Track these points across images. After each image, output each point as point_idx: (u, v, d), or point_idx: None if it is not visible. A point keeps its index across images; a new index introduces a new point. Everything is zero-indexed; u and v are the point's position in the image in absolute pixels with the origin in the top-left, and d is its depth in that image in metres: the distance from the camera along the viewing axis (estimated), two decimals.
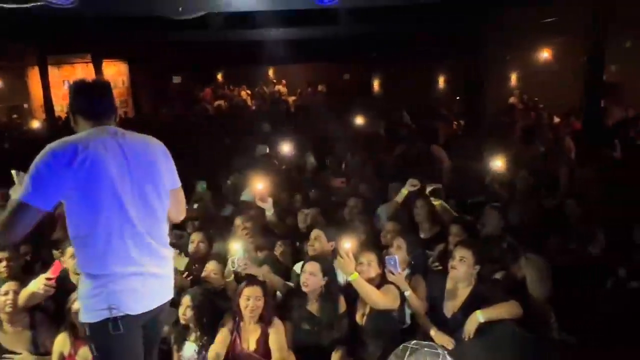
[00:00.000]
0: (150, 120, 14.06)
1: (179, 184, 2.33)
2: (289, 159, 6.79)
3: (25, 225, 1.92)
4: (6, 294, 2.96)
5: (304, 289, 3.07)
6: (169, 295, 2.24)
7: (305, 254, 3.71)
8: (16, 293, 2.95)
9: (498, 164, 4.97)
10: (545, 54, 12.37)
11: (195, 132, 10.40)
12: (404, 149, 6.98)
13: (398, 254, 3.30)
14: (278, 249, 3.83)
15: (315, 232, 3.62)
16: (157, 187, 2.17)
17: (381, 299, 2.97)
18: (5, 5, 5.28)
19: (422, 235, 4.13)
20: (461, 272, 3.07)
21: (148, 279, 2.09)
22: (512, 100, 12.58)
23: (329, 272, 3.12)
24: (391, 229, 3.82)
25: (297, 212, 4.61)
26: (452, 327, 3.02)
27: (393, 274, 3.05)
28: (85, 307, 2.05)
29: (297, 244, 4.10)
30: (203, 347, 3.02)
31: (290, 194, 5.15)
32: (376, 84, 16.94)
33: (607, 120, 8.36)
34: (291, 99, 19.20)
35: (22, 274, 3.36)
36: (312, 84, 19.74)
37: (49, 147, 1.96)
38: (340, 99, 16.15)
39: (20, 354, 3.00)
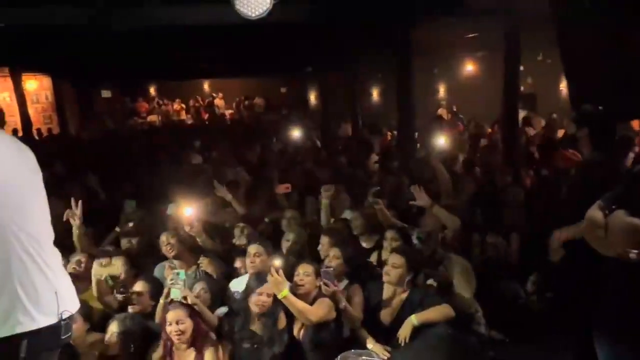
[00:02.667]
0: (77, 137, 13.40)
1: None
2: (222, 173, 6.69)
3: None
4: None
5: (255, 310, 3.00)
6: None
7: (238, 270, 3.65)
8: None
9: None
10: (469, 67, 13.13)
11: (126, 148, 10.01)
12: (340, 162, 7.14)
13: (334, 264, 3.33)
14: (208, 266, 3.70)
15: (254, 248, 3.52)
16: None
17: (313, 315, 2.96)
18: None
19: (364, 245, 4.17)
20: (394, 278, 3.16)
21: None
22: (439, 111, 13.20)
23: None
24: (325, 242, 3.80)
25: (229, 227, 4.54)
26: (389, 334, 3.09)
27: (328, 287, 3.05)
28: None
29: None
30: None
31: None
32: (313, 97, 17.16)
33: (529, 130, 8.98)
34: (228, 112, 19.01)
35: None
36: (249, 97, 19.67)
37: None
38: (277, 112, 16.25)
39: None
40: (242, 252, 3.81)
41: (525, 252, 4.01)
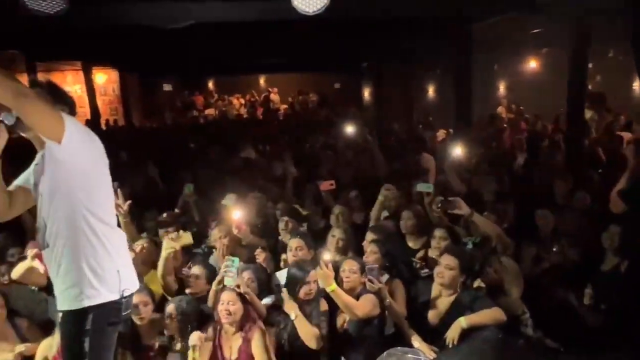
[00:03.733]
0: (140, 128, 14.06)
1: None
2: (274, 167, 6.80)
3: None
4: None
5: (306, 297, 3.06)
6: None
7: (285, 262, 3.70)
8: None
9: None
10: (532, 64, 12.57)
11: (183, 140, 10.38)
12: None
13: (371, 259, 3.32)
14: (260, 256, 3.79)
15: (295, 241, 3.59)
16: None
17: (359, 310, 2.97)
18: None
19: (410, 245, 4.11)
20: (447, 280, 3.10)
21: None
22: (499, 109, 12.74)
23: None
24: (369, 238, 3.78)
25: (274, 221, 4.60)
26: (436, 334, 3.04)
27: (373, 283, 3.05)
28: None
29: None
30: (187, 357, 3.00)
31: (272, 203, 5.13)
32: (367, 94, 17.05)
33: (594, 129, 8.51)
34: (283, 107, 19.27)
35: None
36: (303, 92, 19.83)
37: None
38: (330, 107, 16.29)
39: None
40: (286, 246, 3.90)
41: (584, 262, 3.80)
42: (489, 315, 2.93)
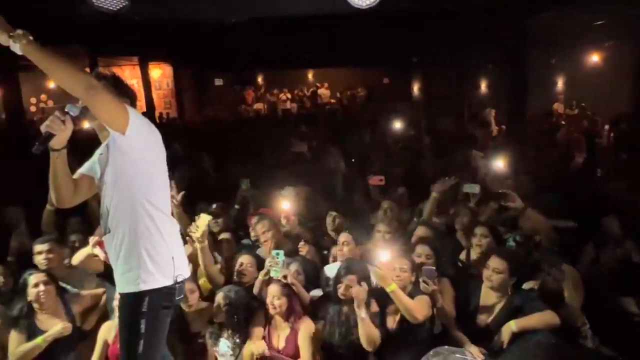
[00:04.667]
0: (192, 122, 14.49)
1: None
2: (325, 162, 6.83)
3: None
4: (36, 285, 3.07)
5: (342, 297, 3.05)
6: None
7: (334, 257, 3.72)
8: (46, 284, 3.08)
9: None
10: (594, 58, 11.94)
11: (235, 133, 10.62)
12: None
13: (422, 258, 3.27)
14: (303, 249, 3.83)
15: (343, 236, 3.60)
16: None
17: (419, 313, 2.90)
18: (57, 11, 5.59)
19: (463, 243, 4.02)
20: (496, 283, 3.02)
21: None
22: (555, 106, 12.21)
23: (364, 278, 3.08)
24: (420, 234, 3.75)
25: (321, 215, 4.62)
26: (486, 336, 2.97)
27: (428, 285, 3.00)
28: None
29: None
30: (236, 344, 3.10)
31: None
32: (416, 89, 16.79)
33: None
34: (331, 102, 19.31)
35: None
36: (352, 87, 19.78)
37: None
38: (379, 103, 16.15)
39: None
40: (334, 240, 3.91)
41: None
42: (541, 318, 2.82)
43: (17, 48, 1.87)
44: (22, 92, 8.64)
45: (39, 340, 2.99)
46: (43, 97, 18.37)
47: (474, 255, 3.64)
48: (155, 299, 2.17)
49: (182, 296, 2.33)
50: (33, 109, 17.18)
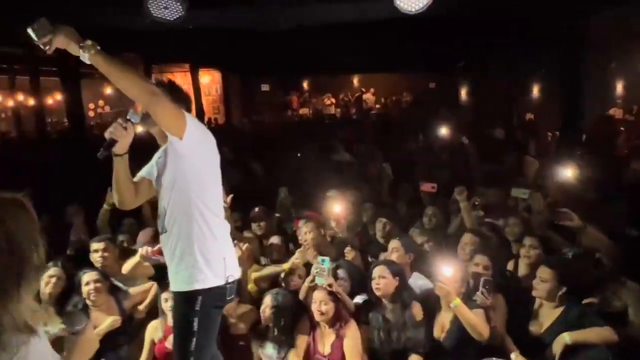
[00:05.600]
0: (239, 127, 14.82)
1: None
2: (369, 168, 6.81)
3: None
4: (87, 284, 3.22)
5: (376, 293, 3.06)
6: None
7: None
8: (96, 282, 3.22)
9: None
10: None
11: (281, 139, 10.76)
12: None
13: (477, 271, 3.18)
14: (349, 254, 3.82)
15: (394, 243, 3.57)
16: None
17: (484, 331, 2.81)
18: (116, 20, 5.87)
19: (513, 251, 3.91)
20: (542, 292, 2.93)
21: None
22: (612, 111, 11.63)
23: (398, 273, 3.09)
24: (468, 242, 3.65)
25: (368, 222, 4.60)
26: (537, 348, 2.87)
27: (487, 298, 2.93)
28: None
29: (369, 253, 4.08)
30: (282, 347, 3.13)
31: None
32: (463, 94, 16.44)
33: None
34: (376, 107, 19.24)
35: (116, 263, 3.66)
36: (397, 92, 19.62)
37: None
38: (426, 108, 15.93)
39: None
40: (382, 246, 3.90)
41: None
42: (598, 333, 2.70)
43: (85, 57, 2.00)
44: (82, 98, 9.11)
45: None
46: (101, 102, 19.31)
47: (522, 266, 3.53)
48: (208, 298, 2.23)
49: (232, 296, 2.38)
50: (91, 114, 18.08)
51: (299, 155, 8.15)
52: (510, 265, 3.71)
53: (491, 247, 3.67)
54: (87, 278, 3.23)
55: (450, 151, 8.04)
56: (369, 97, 19.98)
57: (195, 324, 2.20)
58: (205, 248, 2.23)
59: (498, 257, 3.62)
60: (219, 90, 16.47)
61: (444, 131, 9.16)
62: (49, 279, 3.37)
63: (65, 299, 3.33)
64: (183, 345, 2.23)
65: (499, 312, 3.05)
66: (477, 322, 2.81)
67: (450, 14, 6.67)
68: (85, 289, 3.22)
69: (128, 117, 2.25)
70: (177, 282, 2.28)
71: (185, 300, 2.25)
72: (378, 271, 3.08)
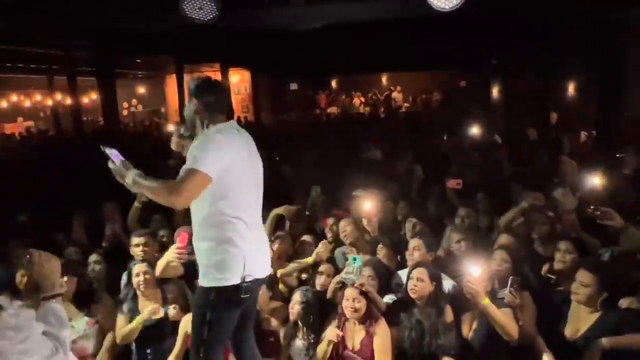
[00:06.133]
0: (268, 125, 14.94)
1: None
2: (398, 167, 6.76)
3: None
4: (137, 275, 3.35)
5: (411, 294, 3.04)
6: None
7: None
8: (146, 274, 3.33)
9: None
10: None
11: (309, 138, 10.78)
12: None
13: (502, 267, 3.12)
14: (380, 252, 3.81)
15: (415, 242, 3.55)
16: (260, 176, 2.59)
17: (514, 331, 2.77)
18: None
19: (539, 250, 3.83)
20: (582, 297, 2.84)
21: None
22: None
23: (436, 278, 3.06)
24: (502, 242, 3.60)
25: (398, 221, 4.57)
26: (573, 353, 2.79)
27: (515, 297, 2.88)
28: None
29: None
30: (311, 344, 3.14)
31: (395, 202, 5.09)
32: (495, 92, 16.10)
33: None
34: (405, 106, 19.06)
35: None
36: (427, 91, 19.39)
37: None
38: (456, 106, 15.69)
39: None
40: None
41: None
42: (638, 339, 2.61)
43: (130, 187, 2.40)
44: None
45: (134, 323, 3.26)
46: (134, 101, 19.78)
47: (557, 268, 3.42)
48: (221, 294, 2.41)
49: (248, 295, 2.48)
50: (125, 112, 18.54)
51: (326, 153, 8.14)
52: (544, 269, 3.60)
53: (523, 248, 3.61)
54: (137, 269, 3.36)
55: (481, 150, 7.90)
56: (396, 95, 19.81)
57: (209, 315, 2.41)
58: (227, 251, 2.40)
59: (518, 255, 3.54)
60: (248, 89, 16.65)
61: (475, 130, 9.01)
62: (94, 265, 3.69)
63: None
64: (197, 333, 2.46)
65: (527, 311, 3.00)
66: (506, 322, 2.78)
67: (483, 11, 6.55)
68: (135, 280, 3.35)
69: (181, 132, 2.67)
70: (200, 276, 2.49)
71: (202, 293, 2.46)
72: (417, 273, 3.05)
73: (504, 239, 3.63)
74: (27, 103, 17.61)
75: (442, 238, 4.13)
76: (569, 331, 2.90)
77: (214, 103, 2.48)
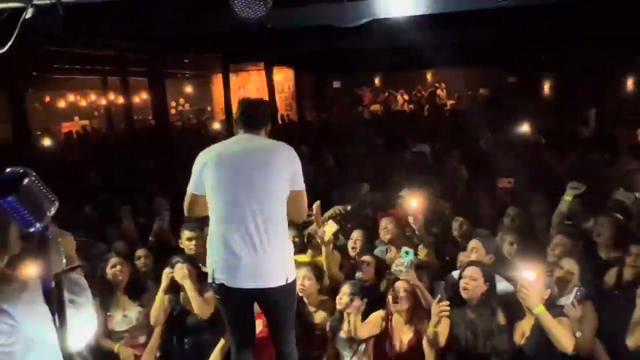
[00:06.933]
0: (311, 123, 15.00)
1: (300, 187, 2.65)
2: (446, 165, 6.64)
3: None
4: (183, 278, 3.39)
5: (463, 294, 2.95)
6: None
7: (461, 263, 3.58)
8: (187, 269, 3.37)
9: None
10: None
11: (353, 136, 10.74)
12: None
13: (570, 280, 2.99)
14: (421, 252, 3.75)
15: (473, 243, 3.46)
16: (268, 182, 2.53)
17: (568, 343, 2.62)
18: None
19: (601, 255, 3.66)
20: None
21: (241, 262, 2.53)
22: None
23: (489, 278, 2.97)
24: (559, 243, 3.45)
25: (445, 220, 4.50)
26: None
27: (576, 309, 2.75)
28: None
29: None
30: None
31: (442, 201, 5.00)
32: (546, 88, 15.51)
33: None
34: (449, 103, 18.68)
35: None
36: (473, 88, 18.93)
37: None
38: (504, 102, 15.23)
39: None
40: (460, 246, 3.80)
41: None
42: None
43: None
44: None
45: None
46: (182, 100, 20.36)
47: (627, 275, 3.22)
48: (213, 289, 2.69)
49: (220, 297, 2.65)
50: (173, 111, 19.11)
51: (372, 152, 8.11)
52: (611, 275, 3.41)
53: (582, 251, 3.46)
54: (180, 265, 3.41)
55: (528, 149, 7.65)
56: (440, 92, 19.44)
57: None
58: (209, 249, 2.65)
59: (585, 264, 3.40)
60: (291, 87, 16.79)
61: (523, 128, 8.74)
62: (142, 258, 3.88)
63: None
64: None
65: (587, 322, 2.85)
66: (561, 333, 2.63)
67: (533, 4, 6.32)
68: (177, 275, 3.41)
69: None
70: None
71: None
72: (470, 272, 2.96)
73: (558, 239, 3.49)
74: (83, 103, 18.47)
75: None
76: (631, 340, 2.74)
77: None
